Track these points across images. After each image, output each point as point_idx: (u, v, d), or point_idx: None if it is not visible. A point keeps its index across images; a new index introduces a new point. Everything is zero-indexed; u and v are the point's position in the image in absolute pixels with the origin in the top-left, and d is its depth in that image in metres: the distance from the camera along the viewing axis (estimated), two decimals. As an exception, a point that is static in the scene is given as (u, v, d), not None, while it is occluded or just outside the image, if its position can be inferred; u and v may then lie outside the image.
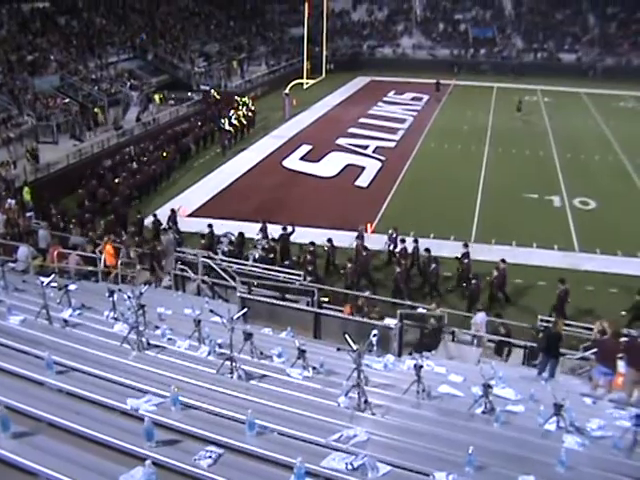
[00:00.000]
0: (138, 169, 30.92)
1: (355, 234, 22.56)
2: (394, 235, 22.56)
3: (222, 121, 40.21)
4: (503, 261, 20.23)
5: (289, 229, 22.19)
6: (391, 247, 22.63)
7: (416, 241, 21.99)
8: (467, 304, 19.22)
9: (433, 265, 20.43)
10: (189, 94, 46.41)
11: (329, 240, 21.87)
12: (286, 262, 20.81)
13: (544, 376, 13.14)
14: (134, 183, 29.30)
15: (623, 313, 18.53)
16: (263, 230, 22.47)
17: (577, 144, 39.34)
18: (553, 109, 49.08)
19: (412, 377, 9.10)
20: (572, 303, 18.73)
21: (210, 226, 22.53)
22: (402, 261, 20.61)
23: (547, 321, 16.96)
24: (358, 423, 7.43)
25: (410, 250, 21.64)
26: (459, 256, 21.05)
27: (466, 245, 21.36)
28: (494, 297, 20.00)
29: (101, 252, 18.56)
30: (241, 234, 22.42)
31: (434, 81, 55.71)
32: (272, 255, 21.44)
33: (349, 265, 20.37)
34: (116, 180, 28.90)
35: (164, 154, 32.97)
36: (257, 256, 21.01)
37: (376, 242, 23.04)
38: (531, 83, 58.49)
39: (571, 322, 16.78)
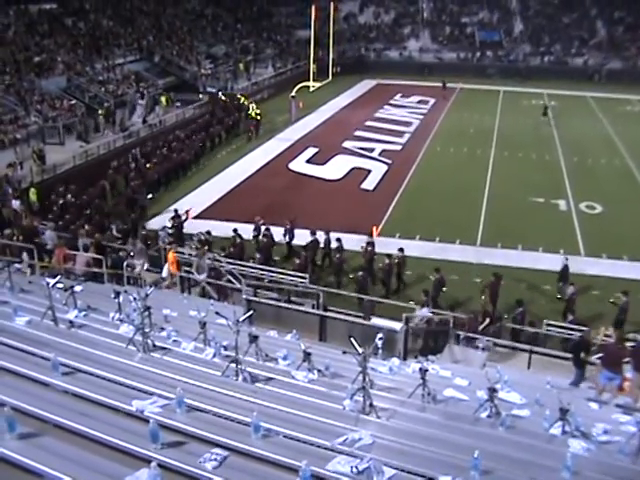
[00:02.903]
0: (167, 156, 32.98)
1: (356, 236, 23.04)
2: (288, 227, 23.28)
3: (249, 111, 42.99)
4: (401, 250, 21.19)
5: (182, 217, 23.75)
6: (287, 238, 23.30)
7: (327, 233, 22.50)
8: (355, 291, 19.68)
9: (337, 255, 21.44)
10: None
11: (234, 230, 22.39)
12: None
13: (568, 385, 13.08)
14: (162, 169, 31.23)
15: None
16: (174, 218, 23.63)
17: (584, 148, 39.26)
18: (559, 113, 48.98)
19: (417, 381, 9.09)
20: (577, 307, 18.68)
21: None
22: (303, 252, 21.37)
23: (552, 325, 17.00)
24: (363, 426, 7.43)
25: (322, 242, 22.38)
26: (364, 245, 21.82)
27: (370, 235, 22.28)
28: (386, 285, 20.76)
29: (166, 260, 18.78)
30: (179, 228, 23.27)
31: (440, 83, 56.86)
32: (207, 247, 21.66)
33: (258, 256, 21.21)
34: (147, 165, 31.05)
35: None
36: (194, 247, 21.41)
37: (381, 245, 22.99)
38: (538, 87, 58.42)
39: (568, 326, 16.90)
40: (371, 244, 21.84)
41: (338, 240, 22.01)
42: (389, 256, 20.90)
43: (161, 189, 30.53)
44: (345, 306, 17.82)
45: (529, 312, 18.03)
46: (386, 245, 23.06)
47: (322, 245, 22.50)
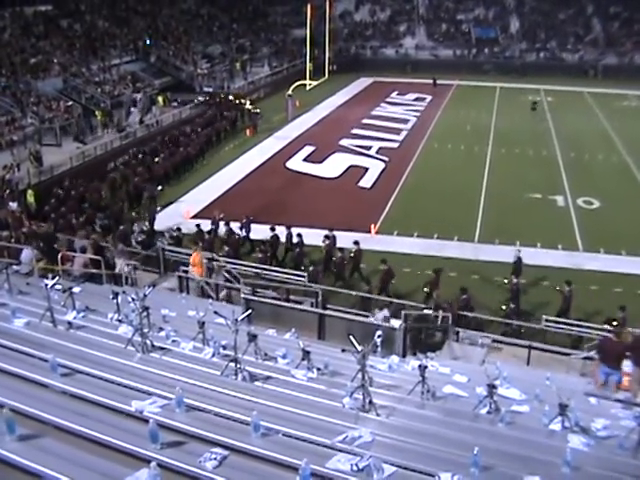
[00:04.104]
0: (174, 150, 33.98)
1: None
2: (245, 221, 23.52)
3: (249, 107, 44.44)
4: (356, 243, 21.38)
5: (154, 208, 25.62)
6: (243, 232, 23.47)
7: (289, 228, 22.68)
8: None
9: (297, 250, 21.93)
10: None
11: (197, 226, 22.94)
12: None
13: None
14: (169, 163, 32.43)
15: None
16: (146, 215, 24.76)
17: (580, 144, 39.28)
18: (556, 109, 48.99)
19: (417, 378, 9.08)
20: (576, 303, 18.68)
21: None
22: (262, 247, 21.70)
23: (552, 321, 17.01)
24: (363, 424, 7.43)
25: (284, 238, 22.63)
26: (324, 239, 22.12)
27: (331, 230, 22.43)
28: (339, 277, 21.04)
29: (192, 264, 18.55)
30: (151, 224, 23.79)
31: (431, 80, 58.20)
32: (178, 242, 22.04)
33: (226, 248, 21.59)
34: (156, 159, 32.14)
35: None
36: (166, 243, 21.56)
37: (378, 243, 23.02)
38: (534, 83, 58.46)
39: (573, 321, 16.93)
40: (330, 238, 22.00)
41: (299, 235, 22.15)
42: (341, 250, 21.12)
43: (169, 182, 31.14)
44: (344, 304, 17.78)
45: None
46: (384, 243, 23.12)
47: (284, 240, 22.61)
